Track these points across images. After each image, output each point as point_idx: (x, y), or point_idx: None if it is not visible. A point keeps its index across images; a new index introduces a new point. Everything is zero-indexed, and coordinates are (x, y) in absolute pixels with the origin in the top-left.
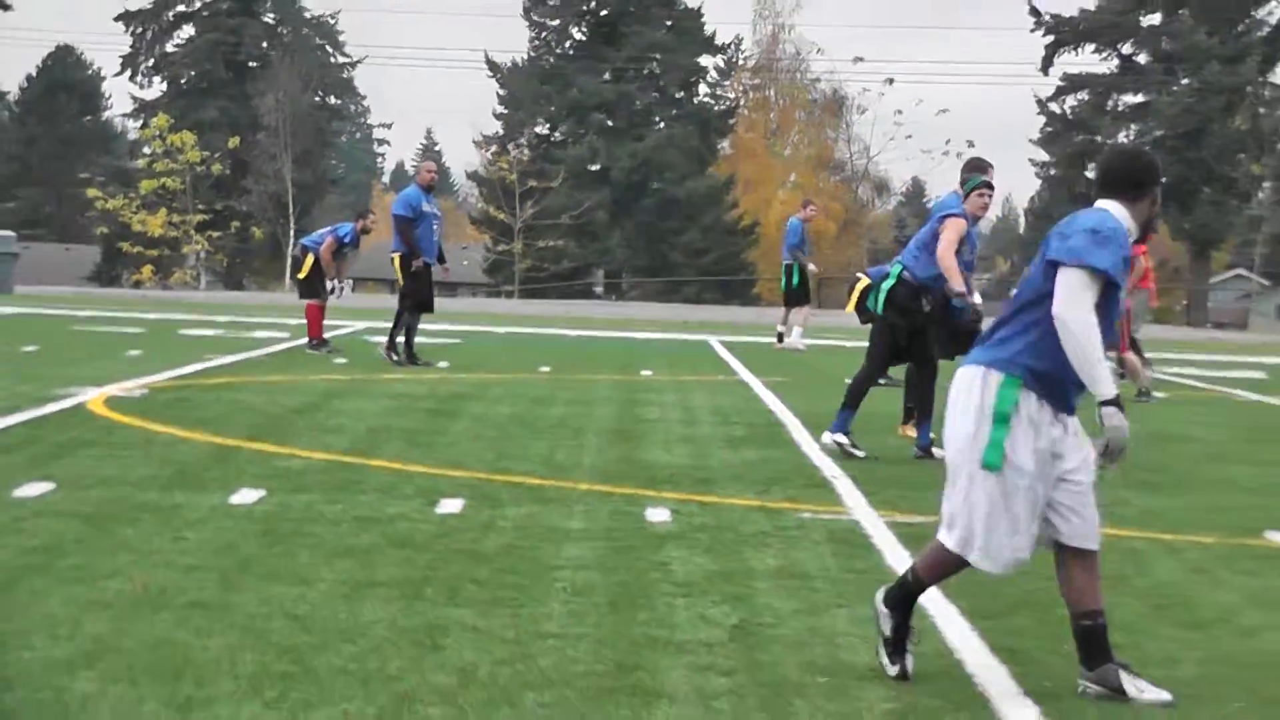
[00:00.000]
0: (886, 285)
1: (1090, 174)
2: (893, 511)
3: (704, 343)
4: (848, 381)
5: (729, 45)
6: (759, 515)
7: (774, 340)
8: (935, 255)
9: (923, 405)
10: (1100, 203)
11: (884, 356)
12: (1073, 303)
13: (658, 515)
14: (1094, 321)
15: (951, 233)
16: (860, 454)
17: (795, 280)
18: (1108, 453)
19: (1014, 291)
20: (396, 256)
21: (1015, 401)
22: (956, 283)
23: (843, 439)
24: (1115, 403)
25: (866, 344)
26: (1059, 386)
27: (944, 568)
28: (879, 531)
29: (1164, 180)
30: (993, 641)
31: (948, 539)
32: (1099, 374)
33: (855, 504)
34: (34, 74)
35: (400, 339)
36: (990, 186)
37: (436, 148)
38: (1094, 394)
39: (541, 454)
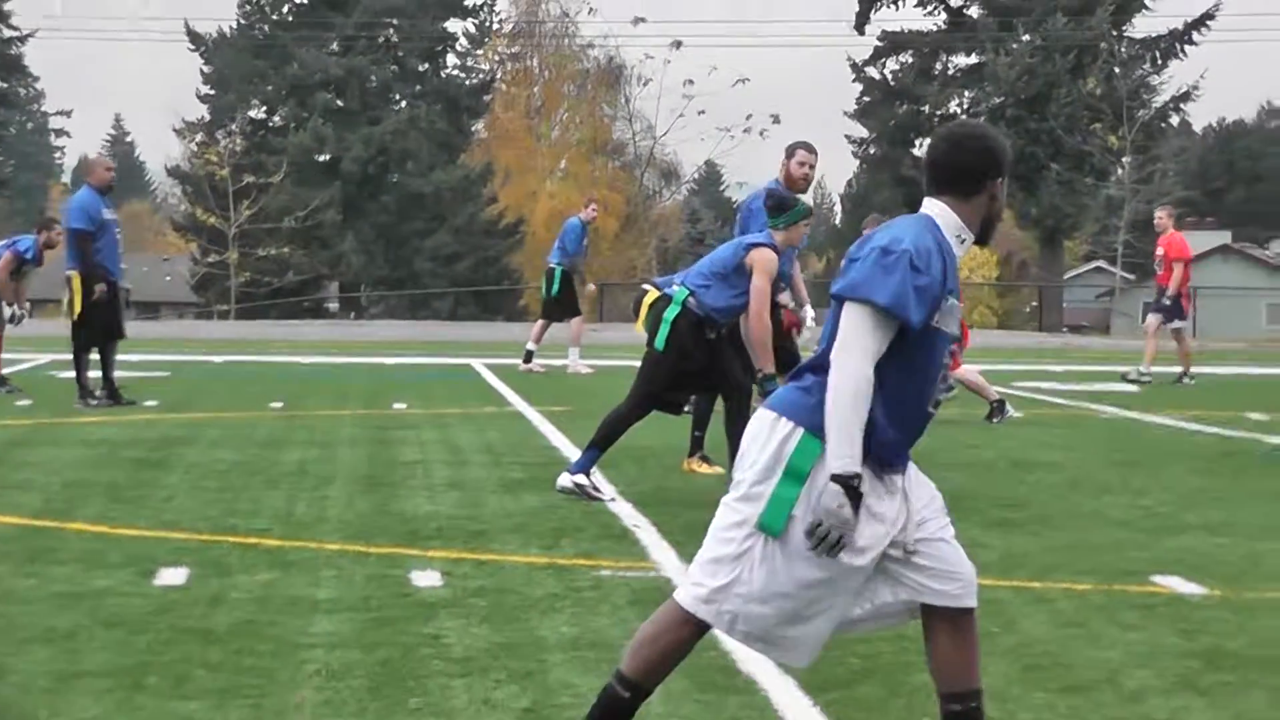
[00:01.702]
0: (669, 314)
1: (917, 151)
2: None
3: (466, 367)
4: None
5: (481, 7)
6: (547, 574)
7: (520, 361)
8: (732, 287)
9: (732, 440)
10: (925, 204)
11: (650, 397)
12: (847, 349)
13: (425, 578)
14: (866, 376)
15: (763, 279)
16: (604, 497)
17: (557, 288)
18: (814, 535)
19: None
20: (75, 276)
21: (816, 459)
22: (766, 362)
23: (583, 480)
24: (849, 483)
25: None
26: (885, 448)
27: (672, 647)
28: None
29: (1008, 164)
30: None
31: (686, 595)
32: (844, 442)
33: (663, 557)
34: None
35: (95, 374)
36: (809, 212)
37: (128, 138)
38: (827, 458)
39: (277, 508)
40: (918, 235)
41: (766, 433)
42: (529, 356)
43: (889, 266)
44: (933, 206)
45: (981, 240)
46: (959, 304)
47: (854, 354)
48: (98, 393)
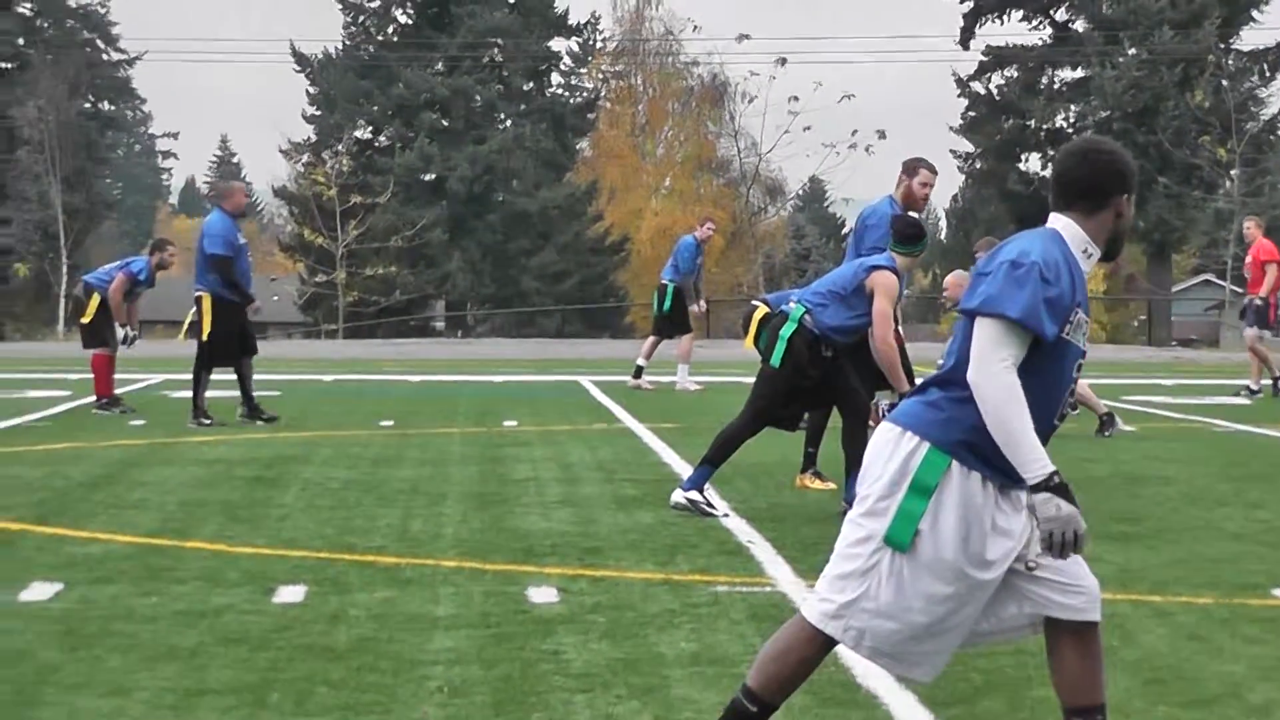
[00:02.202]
0: (786, 331)
1: (1023, 166)
2: None
3: (574, 384)
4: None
5: (584, 25)
6: (663, 590)
7: (630, 377)
8: (850, 308)
9: (852, 457)
10: (1051, 219)
11: (767, 413)
12: (985, 363)
13: (542, 595)
14: (1013, 384)
15: (885, 302)
16: (718, 513)
17: (669, 304)
18: (1053, 547)
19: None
20: (206, 297)
21: (942, 473)
22: (901, 383)
23: (696, 496)
24: (1049, 484)
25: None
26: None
27: (799, 662)
28: None
29: (1135, 181)
30: None
31: (813, 611)
32: (1023, 451)
33: (779, 573)
34: None
35: (212, 394)
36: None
37: (234, 159)
38: (1021, 475)
39: (393, 526)
40: (1045, 248)
41: (891, 447)
42: (639, 372)
43: (1019, 279)
44: (1058, 221)
45: (1108, 255)
46: (1088, 319)
47: (994, 366)
48: (239, 412)
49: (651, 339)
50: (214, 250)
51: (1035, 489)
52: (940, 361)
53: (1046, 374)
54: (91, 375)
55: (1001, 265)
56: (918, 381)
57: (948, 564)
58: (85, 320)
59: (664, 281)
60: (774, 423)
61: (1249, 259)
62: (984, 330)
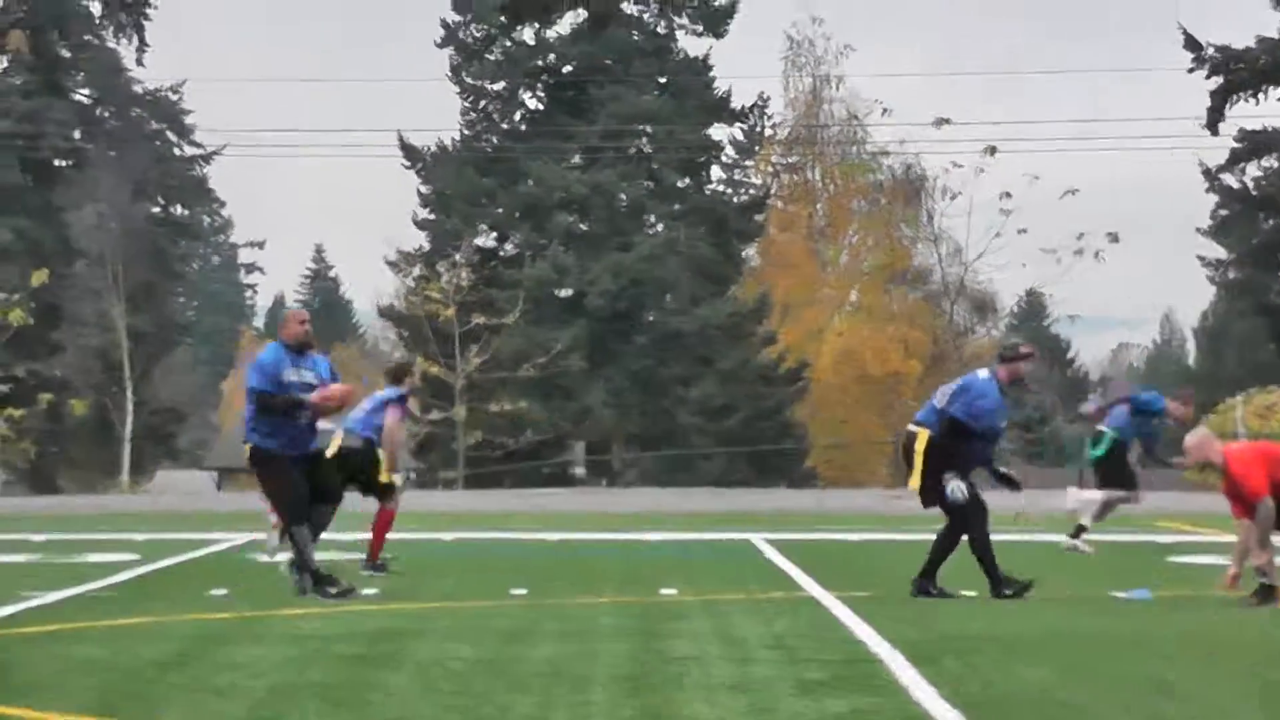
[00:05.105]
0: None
1: None
2: None
3: (744, 543)
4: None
5: (750, 109)
6: None
7: (1065, 538)
8: None
9: None
10: None
11: None
12: None
13: None
14: None
15: None
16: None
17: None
18: None
19: None
20: (248, 447)
21: None
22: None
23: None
24: None
25: None
26: None
27: None
28: None
29: None
30: None
31: None
32: None
33: None
34: None
35: (323, 556)
36: None
37: (330, 273)
38: None
39: (529, 715)
40: None
41: None
42: (1078, 531)
43: None
44: None
45: None
46: None
47: None
48: (332, 588)
49: (1105, 492)
50: (249, 383)
51: None
52: None
53: None
54: (371, 534)
55: None
56: None
57: None
58: (383, 480)
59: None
60: None
61: None
62: None
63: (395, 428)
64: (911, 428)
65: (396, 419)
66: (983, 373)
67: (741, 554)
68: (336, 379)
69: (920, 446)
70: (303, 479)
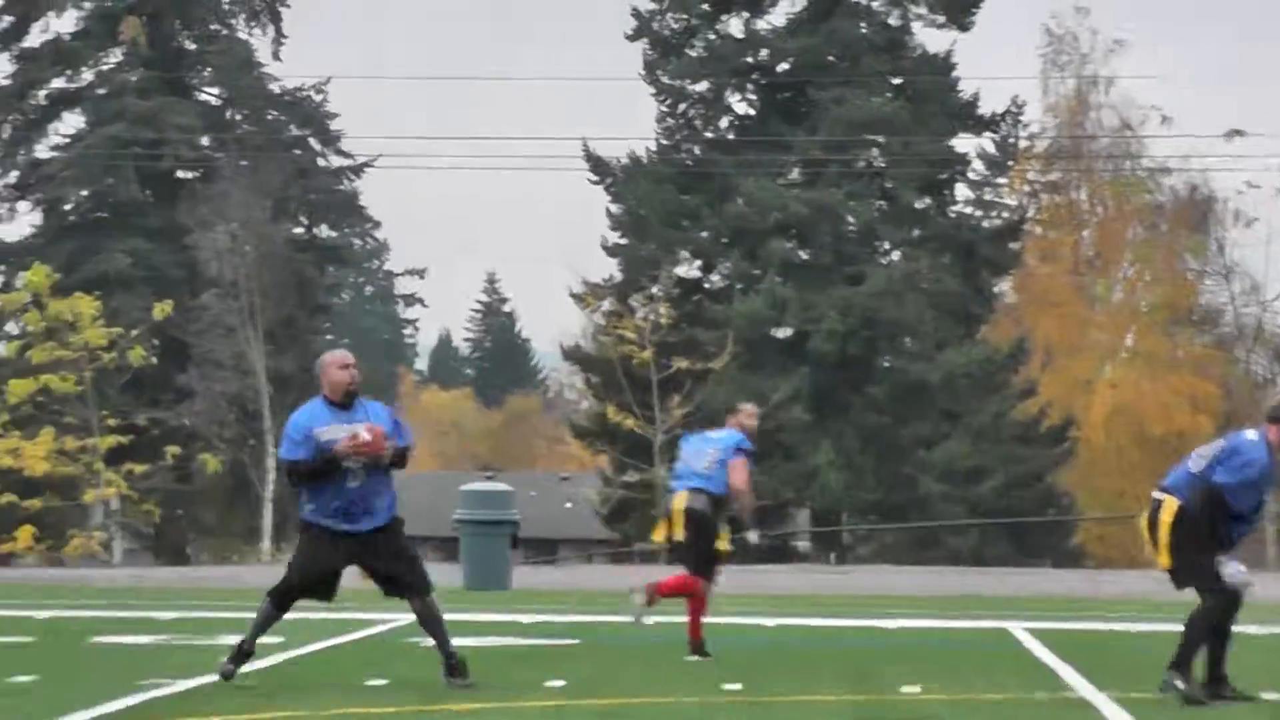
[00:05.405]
0: None
1: None
2: None
3: (1000, 633)
4: None
5: (1003, 116)
6: None
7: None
8: None
9: None
10: None
11: None
12: None
13: None
14: None
15: None
16: None
17: None
18: None
19: None
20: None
21: None
22: None
23: None
24: None
25: None
26: None
27: None
28: None
29: None
30: None
31: None
32: None
33: None
34: None
35: (461, 641)
36: None
37: (505, 307)
38: None
39: None
40: None
41: None
42: None
43: None
44: None
45: None
46: None
47: None
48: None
49: None
50: (280, 453)
51: None
52: None
53: None
54: (689, 613)
55: None
56: None
57: None
58: (679, 539)
59: None
60: None
61: None
62: None
63: (746, 475)
64: (1157, 495)
65: (742, 466)
66: (1251, 434)
67: (997, 645)
68: (401, 433)
69: (1166, 518)
70: (337, 562)
